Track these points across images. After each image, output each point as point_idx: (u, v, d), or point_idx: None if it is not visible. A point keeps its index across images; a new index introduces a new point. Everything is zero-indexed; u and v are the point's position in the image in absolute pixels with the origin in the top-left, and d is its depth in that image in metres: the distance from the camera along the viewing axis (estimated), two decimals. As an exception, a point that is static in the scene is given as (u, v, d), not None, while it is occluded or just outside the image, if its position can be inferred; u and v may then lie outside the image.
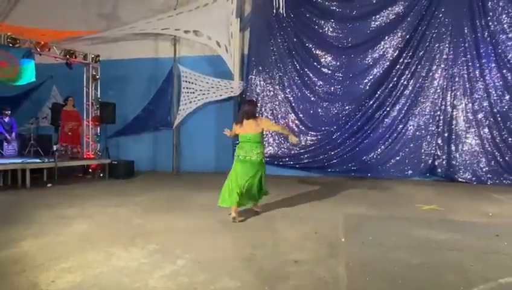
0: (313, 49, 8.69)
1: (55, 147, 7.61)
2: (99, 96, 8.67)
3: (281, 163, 8.78)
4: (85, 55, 8.38)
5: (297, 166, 8.70)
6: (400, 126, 8.28)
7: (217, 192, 6.59)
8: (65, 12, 9.59)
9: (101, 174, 8.28)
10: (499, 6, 7.81)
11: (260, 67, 8.91)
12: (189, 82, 9.12)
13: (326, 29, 8.62)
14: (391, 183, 7.49)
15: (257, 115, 4.61)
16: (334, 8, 8.54)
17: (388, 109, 8.35)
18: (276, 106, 8.89)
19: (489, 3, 7.83)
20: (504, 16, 7.81)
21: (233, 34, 8.74)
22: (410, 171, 8.25)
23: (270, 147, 8.85)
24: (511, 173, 7.76)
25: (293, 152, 8.74)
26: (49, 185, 6.96)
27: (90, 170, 8.40)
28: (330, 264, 3.17)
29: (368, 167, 8.36)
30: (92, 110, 8.67)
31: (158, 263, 3.11)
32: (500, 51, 7.84)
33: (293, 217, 4.80)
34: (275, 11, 7.98)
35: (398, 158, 8.30)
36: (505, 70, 7.86)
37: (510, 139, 7.82)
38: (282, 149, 8.79)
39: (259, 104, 8.60)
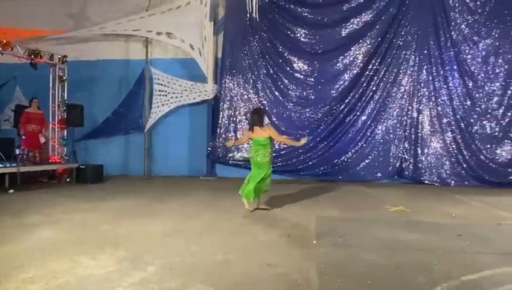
0: (286, 54, 8.81)
1: (17, 151, 7.22)
2: (66, 98, 8.33)
3: (254, 167, 8.79)
4: (51, 56, 8.04)
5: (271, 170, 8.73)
6: (370, 130, 8.54)
7: (190, 196, 6.51)
8: (30, 10, 9.18)
9: (68, 179, 7.96)
10: (460, 17, 8.25)
11: (234, 71, 8.91)
12: (161, 85, 8.97)
13: (298, 34, 8.76)
14: (361, 186, 7.69)
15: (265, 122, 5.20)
16: (306, 14, 8.71)
17: (358, 113, 8.59)
18: (251, 110, 8.89)
19: (451, 13, 8.26)
20: (464, 26, 8.28)
21: (207, 37, 8.70)
22: (379, 174, 8.50)
23: (244, 151, 8.85)
24: (473, 176, 8.19)
25: (266, 156, 8.77)
26: (10, 191, 6.60)
27: (56, 175, 8.04)
28: (302, 267, 3.20)
29: (339, 170, 8.54)
30: (59, 113, 8.32)
31: (127, 270, 3.01)
32: (461, 59, 8.27)
33: (267, 221, 4.81)
34: (248, 15, 8.03)
35: (368, 161, 8.55)
36: (466, 78, 8.30)
37: (472, 143, 8.25)
38: (256, 153, 8.81)
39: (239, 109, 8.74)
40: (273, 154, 8.57)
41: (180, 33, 8.84)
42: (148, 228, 4.44)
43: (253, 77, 8.87)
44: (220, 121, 8.88)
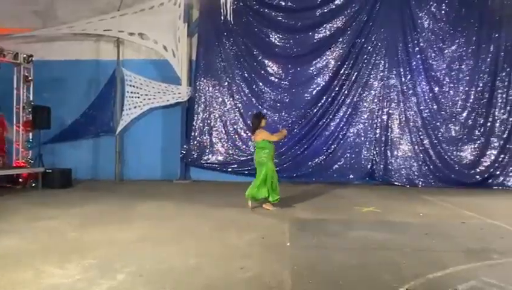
0: (260, 57, 8.85)
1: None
2: (31, 99, 7.95)
3: (229, 170, 8.76)
4: (15, 55, 7.65)
5: (245, 172, 8.73)
6: (342, 133, 8.73)
7: (163, 200, 6.39)
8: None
9: (33, 184, 7.59)
10: (427, 24, 8.61)
11: (208, 73, 8.86)
12: (133, 86, 8.76)
13: (273, 38, 8.83)
14: (334, 188, 7.82)
15: (262, 125, 5.58)
16: (279, 18, 8.80)
17: (331, 116, 8.75)
18: (225, 112, 8.88)
19: (419, 21, 8.62)
20: (430, 33, 8.65)
21: (181, 39, 8.60)
22: (351, 176, 8.69)
23: (219, 154, 8.80)
24: (439, 177, 8.53)
25: (241, 159, 8.77)
26: (-32, 197, 6.20)
27: (20, 180, 7.64)
28: (275, 269, 3.21)
29: (313, 172, 8.66)
30: (24, 115, 7.91)
31: (95, 279, 2.90)
32: (428, 65, 8.63)
33: (241, 224, 4.79)
34: (222, 18, 8.01)
35: (340, 163, 8.72)
36: (432, 83, 8.67)
37: (438, 145, 8.60)
38: (231, 156, 8.78)
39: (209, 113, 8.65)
40: (245, 157, 8.72)
41: (153, 34, 8.68)
42: (118, 234, 4.30)
43: (227, 79, 8.84)
44: (194, 124, 8.78)
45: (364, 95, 8.75)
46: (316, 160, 8.69)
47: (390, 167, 8.63)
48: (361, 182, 8.66)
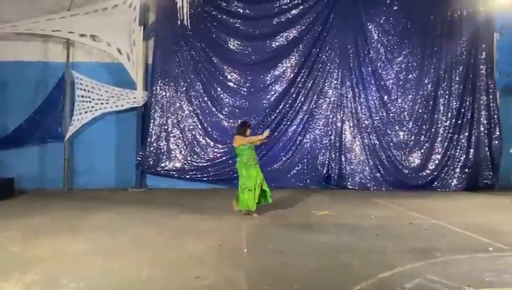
0: (219, 63, 8.81)
1: None
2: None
3: (187, 176, 8.59)
4: None
5: (204, 179, 8.62)
6: (299, 139, 8.92)
7: (116, 209, 6.12)
8: None
9: (-31, 196, 6.88)
10: (376, 36, 9.11)
11: (166, 78, 8.65)
12: (84, 90, 8.31)
13: (231, 45, 8.84)
14: (292, 193, 7.96)
15: (247, 134, 5.87)
16: (238, 26, 8.84)
17: (288, 123, 8.90)
18: (183, 118, 8.71)
19: (369, 33, 9.09)
20: (379, 45, 9.16)
21: (136, 42, 8.33)
22: (308, 181, 8.88)
23: (176, 161, 8.60)
24: (389, 180, 8.98)
25: (200, 165, 8.64)
26: None
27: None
28: (232, 277, 3.18)
29: (272, 177, 8.62)
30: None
31: (36, 296, 2.68)
32: (378, 75, 9.11)
33: (198, 232, 4.71)
34: (179, 22, 7.88)
35: (298, 168, 8.88)
36: (382, 92, 9.16)
37: (388, 150, 9.08)
38: (189, 162, 8.62)
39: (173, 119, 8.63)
40: (206, 163, 8.62)
41: (106, 36, 8.33)
42: (65, 247, 4.03)
43: (185, 84, 8.70)
44: (150, 130, 8.51)
45: (319, 102, 9.01)
46: (274, 166, 8.78)
47: (344, 171, 8.94)
48: (317, 186, 8.86)
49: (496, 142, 9.05)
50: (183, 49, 8.66)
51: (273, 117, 8.86)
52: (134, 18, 8.32)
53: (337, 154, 9.00)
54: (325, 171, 8.96)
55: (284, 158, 8.85)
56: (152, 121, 8.53)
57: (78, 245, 4.06)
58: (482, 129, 9.19)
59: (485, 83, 9.22)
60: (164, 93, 8.64)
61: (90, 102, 8.31)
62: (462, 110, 9.23)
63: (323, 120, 9.02)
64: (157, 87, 8.59)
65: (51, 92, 8.45)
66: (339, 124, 9.05)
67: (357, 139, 9.06)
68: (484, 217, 5.95)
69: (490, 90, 9.18)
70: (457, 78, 9.24)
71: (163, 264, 3.50)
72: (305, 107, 8.97)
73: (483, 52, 9.21)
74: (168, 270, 3.32)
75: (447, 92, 9.25)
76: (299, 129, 8.92)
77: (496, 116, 9.12)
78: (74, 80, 8.34)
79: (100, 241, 4.25)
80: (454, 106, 9.23)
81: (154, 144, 8.51)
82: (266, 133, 5.84)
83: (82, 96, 8.29)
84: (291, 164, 8.85)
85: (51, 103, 8.42)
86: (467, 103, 9.25)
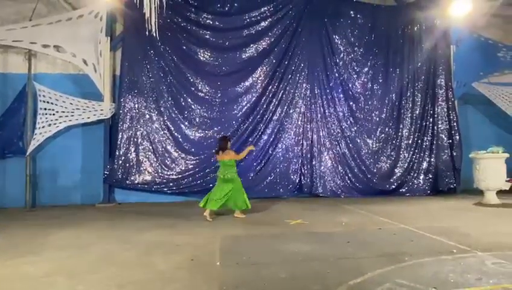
0: (189, 74, 8.75)
1: None
2: None
3: (158, 190, 8.40)
4: None
5: (176, 191, 8.46)
6: (271, 149, 8.98)
7: (83, 227, 5.88)
8: None
9: None
10: (343, 48, 9.43)
11: (134, 89, 8.47)
12: (48, 102, 7.97)
13: (201, 56, 8.84)
14: (265, 203, 7.95)
15: (228, 147, 6.45)
16: (208, 37, 8.87)
17: (260, 133, 8.96)
18: (153, 130, 8.55)
19: (335, 45, 9.39)
20: (346, 56, 9.48)
21: (103, 53, 8.15)
22: (281, 190, 8.93)
23: (146, 174, 8.38)
24: (358, 187, 9.21)
25: (171, 177, 8.48)
26: None
27: None
28: (203, 292, 3.09)
29: (244, 187, 8.67)
30: None
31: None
32: (345, 84, 9.38)
33: (170, 246, 4.58)
34: (147, 33, 7.77)
35: (270, 178, 8.92)
36: (349, 101, 9.45)
37: (357, 158, 9.33)
38: (160, 175, 8.44)
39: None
40: (178, 175, 8.48)
41: (71, 47, 8.08)
42: (24, 268, 3.78)
43: (155, 96, 8.57)
44: (119, 142, 8.28)
45: (290, 112, 9.14)
46: (248, 175, 8.76)
47: (315, 180, 9.06)
48: (290, 195, 8.94)
49: (457, 148, 9.54)
50: (152, 60, 8.55)
51: (244, 127, 8.89)
52: (101, 28, 8.14)
53: (309, 163, 9.15)
54: (297, 181, 9.06)
55: (256, 168, 8.86)
56: (120, 133, 8.31)
57: (40, 265, 3.82)
58: (443, 137, 9.66)
59: (444, 92, 9.74)
60: (133, 105, 8.46)
61: (53, 114, 7.98)
62: (424, 118, 9.69)
63: (294, 130, 9.15)
64: (126, 99, 8.41)
65: (10, 105, 8.05)
66: (309, 134, 9.21)
67: (327, 148, 9.25)
68: (448, 220, 6.19)
69: (449, 100, 9.71)
70: (419, 88, 9.71)
71: (133, 282, 3.36)
72: (276, 117, 9.07)
73: (442, 64, 9.76)
74: (137, 289, 3.19)
75: (410, 101, 9.68)
76: (271, 139, 8.99)
77: (455, 124, 9.62)
78: (36, 92, 8.00)
79: (64, 261, 4.02)
80: (417, 115, 9.67)
81: (123, 157, 8.28)
82: (251, 147, 6.93)
83: (45, 108, 7.95)
84: (263, 174, 8.87)
85: (11, 116, 8.01)
86: (429, 112, 9.71)
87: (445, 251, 4.20)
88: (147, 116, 8.54)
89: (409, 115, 9.67)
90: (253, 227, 5.68)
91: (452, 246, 4.39)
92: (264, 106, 9.01)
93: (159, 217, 6.56)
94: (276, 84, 9.07)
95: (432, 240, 4.74)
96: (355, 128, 9.44)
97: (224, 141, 6.48)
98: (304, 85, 9.24)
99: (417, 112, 9.69)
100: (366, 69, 9.57)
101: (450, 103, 9.72)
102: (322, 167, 9.18)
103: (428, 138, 9.66)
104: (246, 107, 8.96)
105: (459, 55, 9.73)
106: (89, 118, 8.12)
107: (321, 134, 9.25)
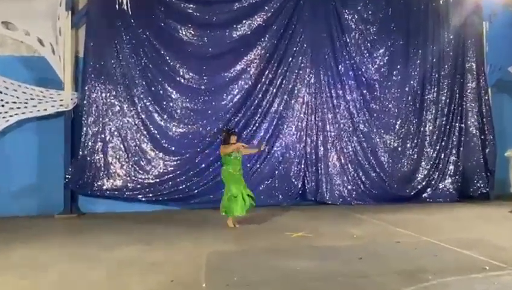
0: (169, 57, 8.71)
1: None
2: None
3: (131, 197, 8.37)
4: None
5: (153, 199, 8.45)
6: (268, 147, 8.95)
7: (39, 242, 5.87)
8: None
9: None
10: (353, 25, 9.43)
11: (102, 75, 8.41)
12: (-5, 91, 7.92)
13: (183, 35, 8.78)
14: (261, 212, 7.94)
15: (232, 141, 6.78)
16: (191, 11, 8.79)
17: (255, 128, 8.96)
18: (124, 124, 8.50)
19: (345, 22, 9.36)
20: (358, 35, 9.48)
21: (63, 31, 8.07)
22: (280, 197, 8.94)
23: (117, 178, 8.36)
24: (372, 193, 9.26)
25: (147, 182, 8.46)
26: None
27: None
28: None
29: (237, 194, 8.73)
30: None
31: None
32: (356, 69, 9.40)
33: (145, 265, 4.60)
34: (117, 6, 7.75)
35: (267, 182, 8.92)
36: (363, 90, 9.47)
37: (372, 158, 9.36)
38: (133, 179, 8.40)
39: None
40: (155, 180, 8.47)
41: (23, 23, 8.00)
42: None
43: (126, 83, 8.50)
44: (83, 139, 8.23)
45: (291, 103, 9.16)
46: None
47: (321, 184, 9.10)
48: (291, 203, 8.96)
49: (490, 145, 9.64)
50: (123, 40, 8.48)
51: (236, 121, 8.88)
52: (60, 2, 8.08)
53: (313, 164, 9.17)
54: (299, 185, 9.08)
55: (250, 171, 8.81)
56: (85, 128, 8.26)
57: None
58: (473, 132, 9.78)
59: (475, 78, 9.83)
60: (99, 94, 8.40)
61: (2, 106, 7.91)
62: (451, 110, 9.77)
63: (296, 124, 9.16)
64: (91, 87, 8.34)
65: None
66: (314, 129, 9.24)
67: (335, 145, 9.28)
68: (479, 231, 6.25)
69: (481, 87, 9.81)
70: (445, 73, 9.78)
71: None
72: (273, 109, 9.07)
73: (472, 44, 9.84)
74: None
75: (435, 89, 9.76)
76: (268, 136, 8.98)
77: (488, 117, 9.72)
78: (-19, 78, 7.94)
79: (16, 285, 4.02)
80: (443, 105, 9.76)
81: (88, 158, 8.22)
82: (262, 145, 7.33)
83: (-9, 98, 7.89)
84: (259, 178, 8.88)
85: (-50, 108, 7.93)
86: (457, 102, 9.82)
87: (476, 268, 4.26)
88: (117, 107, 8.49)
89: (433, 106, 9.76)
90: (246, 241, 5.72)
91: (484, 262, 4.45)
92: (260, 95, 9.00)
93: (133, 230, 6.56)
94: (273, 68, 9.05)
95: (459, 255, 4.81)
96: (369, 121, 9.49)
97: (224, 133, 6.94)
98: (308, 70, 9.24)
99: (443, 102, 9.77)
100: (382, 50, 9.61)
101: (482, 91, 9.81)
102: (330, 169, 9.21)
103: (456, 134, 9.78)
104: (237, 97, 8.94)
105: (493, 33, 9.80)
106: (46, 109, 8.06)
107: (328, 129, 9.27)
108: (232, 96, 8.95)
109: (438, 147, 9.72)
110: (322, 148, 9.22)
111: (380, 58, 9.62)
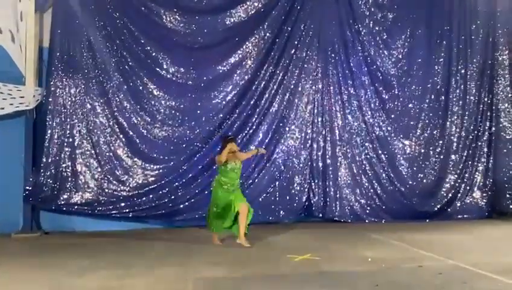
0: (151, 47, 8.70)
1: None
2: None
3: (104, 212, 8.30)
4: None
5: (130, 215, 8.38)
6: (267, 154, 8.95)
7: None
8: None
9: None
10: (367, 11, 9.50)
11: (70, 68, 8.38)
12: None
13: (168, 21, 8.78)
14: (259, 230, 7.92)
15: (233, 149, 6.87)
16: (176, -6, 8.86)
17: (252, 131, 8.95)
18: (97, 127, 8.45)
19: (357, 7, 9.43)
20: (372, 23, 9.55)
21: (25, 16, 8.05)
22: (282, 213, 8.91)
23: (87, 189, 8.29)
24: (389, 209, 9.28)
25: (123, 195, 8.40)
26: None
27: None
28: None
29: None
30: None
31: None
32: (371, 62, 9.49)
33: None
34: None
35: (266, 195, 8.90)
36: (379, 87, 9.53)
37: (389, 167, 9.38)
38: (107, 191, 8.34)
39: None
40: (133, 192, 8.43)
41: (-23, 7, 8.01)
42: None
43: (100, 78, 8.48)
44: (46, 144, 8.17)
45: (294, 102, 9.18)
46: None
47: (330, 198, 9.11)
48: (294, 220, 8.96)
49: (526, 151, 9.73)
50: (95, 27, 8.45)
51: (229, 123, 8.86)
52: (21, -19, 8.09)
53: (320, 174, 9.17)
54: (304, 199, 9.07)
55: (245, 182, 8.78)
56: (49, 131, 8.22)
57: None
58: (506, 136, 9.85)
59: (508, 74, 9.93)
60: (67, 90, 8.35)
61: (-49, 104, 7.88)
62: (480, 111, 9.87)
63: (300, 126, 9.18)
64: (57, 82, 8.31)
65: None
66: (321, 132, 9.25)
67: (346, 152, 9.29)
68: (516, 253, 6.27)
69: (515, 83, 9.91)
70: (473, 67, 9.89)
71: None
72: (274, 109, 9.08)
73: (505, 34, 9.94)
74: None
75: (461, 86, 9.86)
76: (267, 140, 8.98)
77: (524, 119, 9.82)
78: None
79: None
80: (471, 106, 9.84)
81: (53, 166, 8.18)
82: (261, 149, 7.56)
83: None
84: (256, 190, 8.85)
85: None
86: (486, 101, 9.92)
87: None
88: (88, 106, 8.44)
89: (460, 106, 9.85)
90: (240, 266, 5.67)
91: (524, 291, 4.46)
92: (258, 93, 9.00)
93: (105, 253, 6.49)
94: (274, 62, 9.06)
95: (493, 282, 4.77)
96: (385, 124, 9.53)
97: (222, 141, 7.15)
98: (313, 63, 9.27)
99: (471, 102, 9.86)
100: (400, 41, 9.69)
101: (516, 89, 9.92)
102: (339, 180, 9.20)
103: (486, 139, 9.87)
104: (231, 95, 8.93)
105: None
106: (3, 108, 7.97)
107: (338, 132, 9.28)
108: (225, 94, 8.94)
109: (465, 155, 9.79)
110: (330, 155, 9.21)
111: (398, 50, 9.72)
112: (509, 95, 9.93)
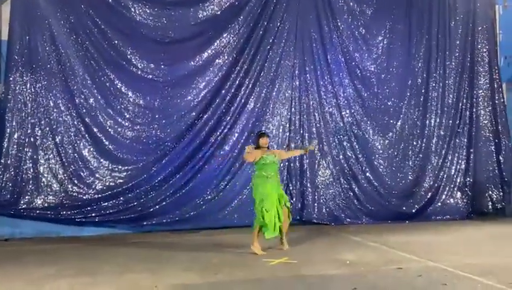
0: (117, 41, 8.62)
1: None
2: None
3: (69, 217, 8.19)
4: None
5: (96, 220, 8.28)
6: (242, 154, 8.96)
7: None
8: None
9: None
10: (346, 6, 9.60)
11: (31, 63, 8.24)
12: None
13: (136, 13, 8.70)
14: (234, 235, 7.92)
15: (262, 144, 6.89)
16: (146, -17, 8.77)
17: (226, 130, 8.94)
18: (60, 124, 8.32)
19: (336, 2, 9.53)
20: (351, 18, 9.66)
21: (-19, 7, 7.91)
22: (257, 215, 8.98)
23: (49, 193, 8.13)
24: (368, 210, 9.39)
25: (88, 198, 8.27)
26: None
27: None
28: None
29: (200, 215, 8.63)
30: None
31: None
32: (349, 58, 9.61)
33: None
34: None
35: (242, 198, 8.85)
36: (357, 84, 9.64)
37: (368, 167, 9.50)
38: (71, 194, 8.22)
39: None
40: (99, 195, 8.32)
41: None
42: None
43: (63, 73, 8.35)
44: (5, 144, 8.02)
45: (271, 99, 9.21)
46: (205, 196, 8.70)
47: (307, 199, 9.17)
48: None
49: (505, 152, 9.94)
50: (58, 19, 8.34)
51: (202, 122, 8.84)
52: (-23, -33, 7.91)
53: (297, 174, 9.23)
54: (282, 200, 9.16)
55: (219, 185, 8.82)
56: (8, 130, 8.07)
57: None
58: (486, 135, 10.08)
59: (486, 72, 10.17)
60: (28, 87, 8.22)
61: None
62: (459, 109, 10.07)
63: (276, 125, 9.21)
64: (16, 77, 8.17)
65: None
66: (298, 131, 9.31)
67: (324, 151, 9.36)
68: (496, 253, 6.39)
69: (494, 82, 10.15)
70: (453, 65, 10.10)
71: None
72: (250, 107, 9.10)
73: (483, 32, 10.18)
74: None
75: (441, 84, 10.04)
76: (242, 139, 8.98)
77: (503, 117, 10.05)
78: None
79: None
80: (450, 104, 10.03)
81: (12, 167, 8.03)
82: (311, 146, 7.55)
83: None
84: (230, 194, 8.86)
85: None
86: (466, 99, 10.13)
87: (495, 301, 4.36)
88: (51, 103, 8.31)
89: (439, 104, 10.03)
90: (215, 272, 5.64)
91: (503, 292, 4.57)
92: (232, 90, 9.01)
93: (70, 260, 6.41)
94: (249, 57, 9.08)
95: (473, 284, 4.87)
96: (364, 122, 9.65)
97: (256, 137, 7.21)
98: (290, 60, 9.32)
99: (450, 100, 10.05)
100: (379, 37, 9.84)
101: (495, 87, 10.15)
102: (317, 180, 9.29)
103: (465, 137, 10.07)
104: (204, 92, 8.92)
105: (508, 19, 10.16)
106: (-43, 106, 7.85)
107: (315, 131, 9.34)
108: (197, 91, 8.92)
109: (444, 153, 9.98)
110: (307, 156, 9.24)
111: (377, 46, 9.85)
112: (489, 93, 10.12)
